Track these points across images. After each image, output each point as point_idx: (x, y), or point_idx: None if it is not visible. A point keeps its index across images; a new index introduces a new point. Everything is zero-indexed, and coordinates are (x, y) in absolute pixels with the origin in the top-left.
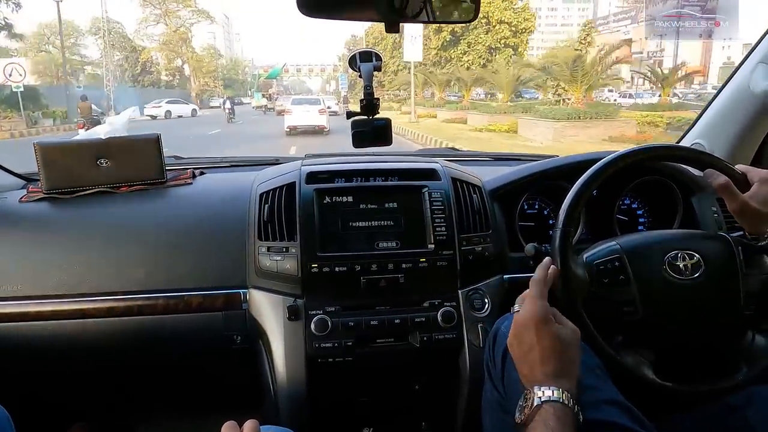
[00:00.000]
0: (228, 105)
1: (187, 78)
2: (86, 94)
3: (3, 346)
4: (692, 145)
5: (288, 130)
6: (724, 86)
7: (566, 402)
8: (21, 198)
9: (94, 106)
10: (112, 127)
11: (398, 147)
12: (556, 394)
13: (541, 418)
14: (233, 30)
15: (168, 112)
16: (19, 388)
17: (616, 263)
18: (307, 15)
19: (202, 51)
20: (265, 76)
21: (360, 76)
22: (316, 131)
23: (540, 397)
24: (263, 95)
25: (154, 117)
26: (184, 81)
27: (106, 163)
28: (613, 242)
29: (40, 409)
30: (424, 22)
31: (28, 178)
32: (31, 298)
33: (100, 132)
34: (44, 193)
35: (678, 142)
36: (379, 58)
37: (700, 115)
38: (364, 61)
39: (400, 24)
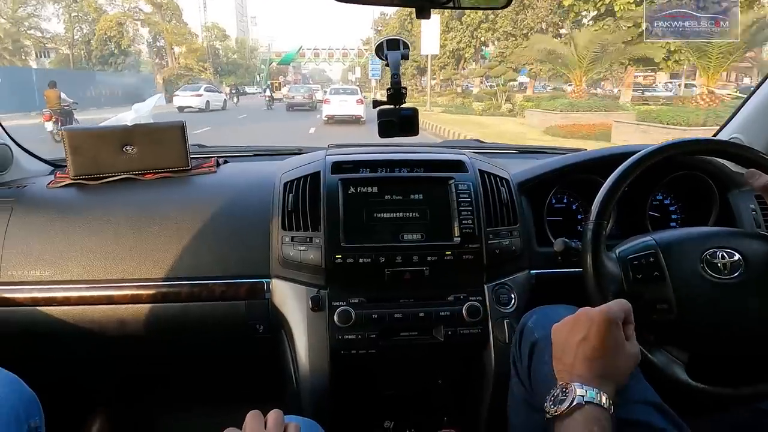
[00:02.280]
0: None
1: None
2: (55, 81)
3: (30, 329)
4: (730, 139)
5: (326, 119)
6: (765, 79)
7: (609, 409)
8: (48, 183)
9: (63, 95)
10: (138, 113)
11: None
12: (602, 399)
13: (583, 419)
14: (248, 12)
15: (207, 102)
16: (45, 371)
17: (651, 259)
18: (341, 0)
19: (207, 31)
20: (277, 62)
21: (387, 65)
22: (353, 121)
23: (583, 396)
24: (272, 84)
25: (182, 109)
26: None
27: (132, 149)
28: (648, 237)
29: (65, 394)
30: (454, 8)
31: (55, 164)
32: (57, 284)
33: (127, 119)
34: (71, 179)
35: (714, 136)
36: (407, 46)
37: (739, 108)
38: (391, 49)
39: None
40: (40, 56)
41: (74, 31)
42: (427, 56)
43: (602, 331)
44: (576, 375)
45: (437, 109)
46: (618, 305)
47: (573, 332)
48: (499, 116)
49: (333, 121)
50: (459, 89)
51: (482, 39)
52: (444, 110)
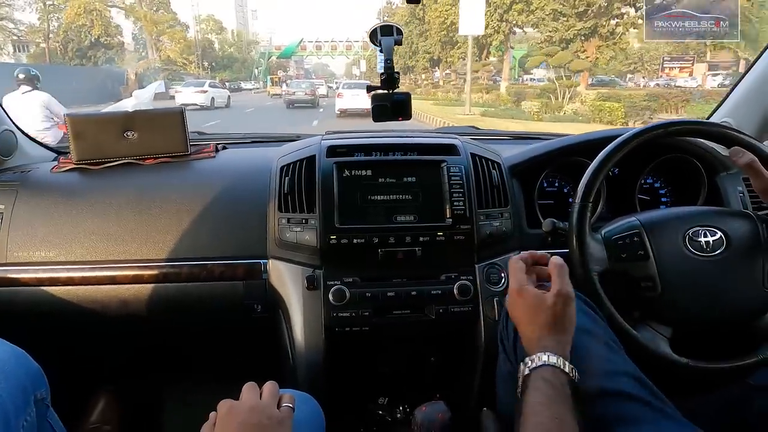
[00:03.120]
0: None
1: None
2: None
3: (35, 309)
4: (720, 122)
5: (339, 112)
6: (754, 64)
7: (555, 363)
8: (52, 168)
9: None
10: (138, 100)
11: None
12: (541, 359)
13: (532, 385)
14: (248, 5)
15: (212, 99)
16: (49, 349)
17: (635, 238)
18: None
19: (202, 23)
20: (277, 55)
21: (381, 51)
22: (365, 114)
23: (529, 367)
24: (272, 79)
25: (185, 107)
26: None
27: (133, 135)
28: (633, 218)
29: (70, 371)
30: None
31: (58, 151)
32: (61, 264)
33: (128, 105)
34: (74, 164)
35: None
36: (400, 32)
37: (729, 93)
38: (385, 35)
39: None
40: (18, 50)
41: (49, 22)
42: (450, 46)
43: (517, 304)
44: (529, 351)
45: (477, 109)
46: (512, 274)
47: (513, 319)
48: (568, 122)
49: (346, 114)
50: (480, 83)
51: (514, 23)
52: (484, 112)
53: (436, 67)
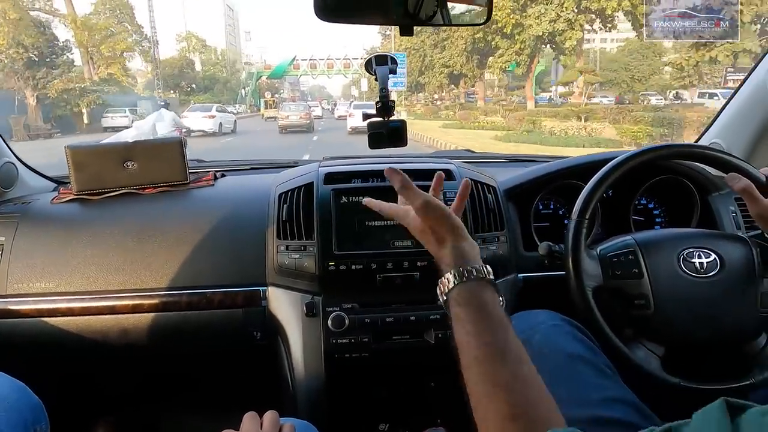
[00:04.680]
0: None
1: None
2: None
3: (35, 340)
4: (710, 144)
5: (350, 130)
6: (741, 85)
7: (458, 278)
8: (52, 199)
9: None
10: (138, 131)
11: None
12: (446, 281)
13: (452, 314)
14: (240, 26)
15: (220, 125)
16: (50, 379)
17: (630, 256)
18: (324, 20)
19: (185, 40)
20: (267, 75)
21: (376, 80)
22: None
23: (444, 293)
24: (266, 102)
25: (190, 133)
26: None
27: (132, 165)
28: (629, 236)
29: (70, 401)
30: (437, 26)
31: (59, 181)
32: (61, 295)
33: (128, 135)
34: (74, 195)
35: (696, 142)
36: (394, 61)
37: (718, 114)
38: (380, 64)
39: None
40: None
41: None
42: (478, 57)
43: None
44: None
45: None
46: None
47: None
48: None
49: (357, 131)
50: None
51: (601, 8)
52: None
53: (453, 85)
